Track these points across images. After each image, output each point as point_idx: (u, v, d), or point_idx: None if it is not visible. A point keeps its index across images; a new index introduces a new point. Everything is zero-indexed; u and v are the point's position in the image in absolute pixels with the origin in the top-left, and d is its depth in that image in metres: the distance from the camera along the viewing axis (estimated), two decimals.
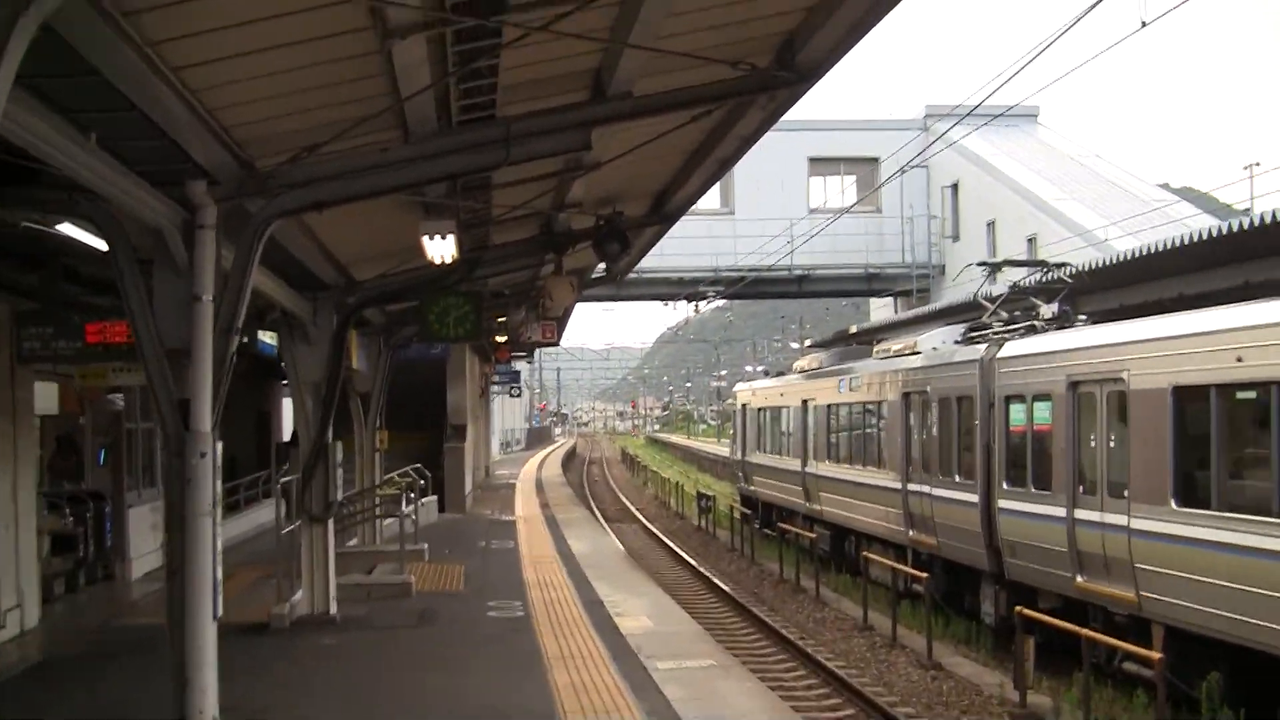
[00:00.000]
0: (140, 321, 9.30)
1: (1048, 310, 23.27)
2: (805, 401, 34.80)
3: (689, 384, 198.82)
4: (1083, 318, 22.71)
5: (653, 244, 20.51)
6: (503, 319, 28.27)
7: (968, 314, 29.99)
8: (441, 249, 13.46)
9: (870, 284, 52.82)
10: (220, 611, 9.83)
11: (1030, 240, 41.97)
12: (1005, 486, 21.23)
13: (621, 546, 31.54)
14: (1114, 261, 26.09)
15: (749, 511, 39.60)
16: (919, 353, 26.36)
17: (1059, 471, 19.45)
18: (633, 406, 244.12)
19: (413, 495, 24.88)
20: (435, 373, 39.35)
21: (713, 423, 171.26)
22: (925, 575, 22.32)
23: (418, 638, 17.71)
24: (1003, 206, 46.67)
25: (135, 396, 24.79)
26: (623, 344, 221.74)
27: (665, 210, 17.30)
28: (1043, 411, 20.20)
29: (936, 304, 38.72)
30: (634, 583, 24.26)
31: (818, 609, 27.30)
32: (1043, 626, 18.40)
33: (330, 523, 17.83)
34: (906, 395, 26.20)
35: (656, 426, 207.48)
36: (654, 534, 43.90)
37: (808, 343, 59.67)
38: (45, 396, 21.73)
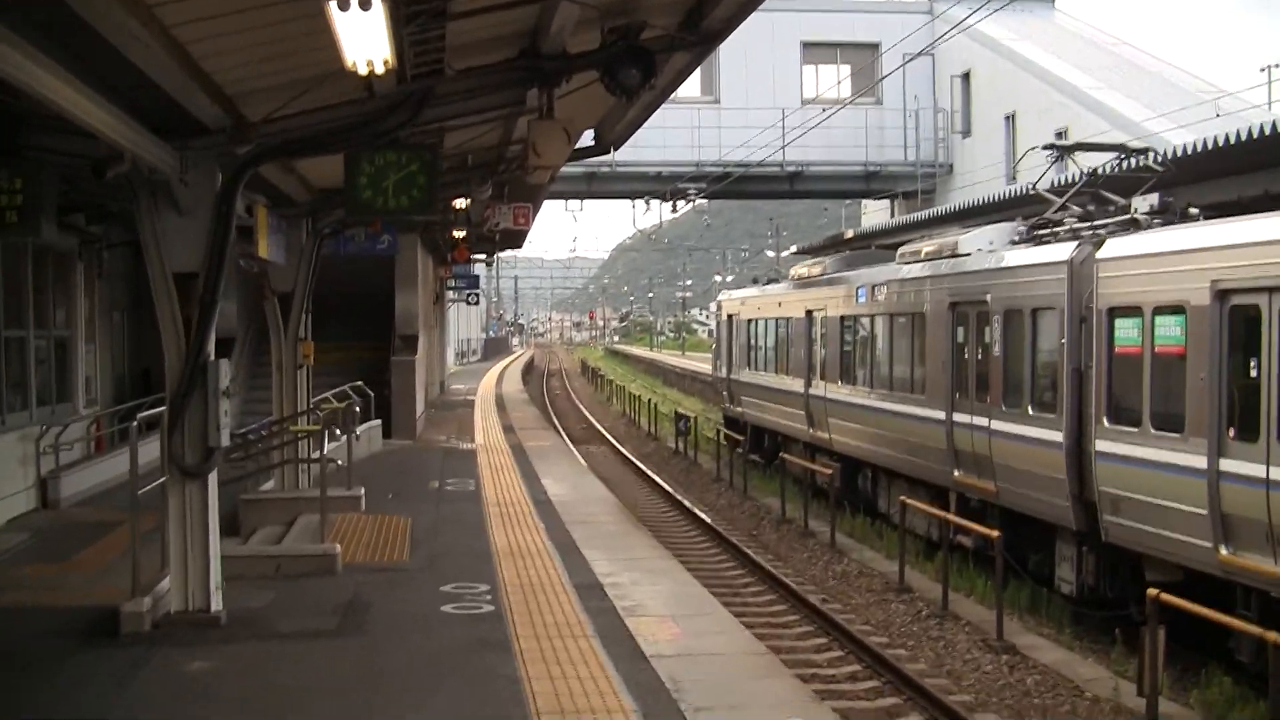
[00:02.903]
0: None
1: (1144, 203, 18.76)
2: (810, 313, 30.26)
3: (651, 294, 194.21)
4: (1194, 211, 18.02)
5: (677, 84, 14.96)
6: (462, 203, 22.79)
7: (1015, 210, 25.68)
8: (364, 43, 8.31)
9: (869, 184, 48.02)
10: None
11: (1060, 134, 37.14)
12: (1107, 424, 16.62)
13: (609, 492, 26.01)
14: (1217, 147, 21.28)
15: (737, 436, 35.09)
16: (966, 254, 21.69)
17: (1196, 409, 14.79)
18: (590, 317, 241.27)
19: (338, 431, 19.63)
20: (382, 273, 34.13)
21: (672, 335, 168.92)
22: (995, 534, 17.64)
23: (336, 660, 11.89)
24: (1025, 97, 41.84)
25: None
26: (582, 253, 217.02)
27: (705, 25, 11.97)
28: (1170, 328, 15.52)
29: (966, 200, 33.81)
30: (637, 550, 18.51)
31: (835, 559, 23.02)
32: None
33: (212, 477, 12.49)
34: (954, 306, 21.58)
35: (615, 338, 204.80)
36: (628, 459, 39.52)
37: (793, 249, 54.89)
38: None
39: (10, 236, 13.31)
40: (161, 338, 11.72)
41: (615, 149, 19.45)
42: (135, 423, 12.88)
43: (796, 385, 30.79)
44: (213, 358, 11.81)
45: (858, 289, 26.80)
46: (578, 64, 11.55)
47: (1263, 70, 36.06)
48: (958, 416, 21.13)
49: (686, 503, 29.41)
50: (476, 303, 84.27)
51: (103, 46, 8.27)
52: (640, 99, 13.12)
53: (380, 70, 8.81)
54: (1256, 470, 13.68)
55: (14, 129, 10.91)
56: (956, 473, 21.09)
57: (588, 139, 19.04)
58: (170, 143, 11.17)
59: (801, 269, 33.57)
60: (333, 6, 7.63)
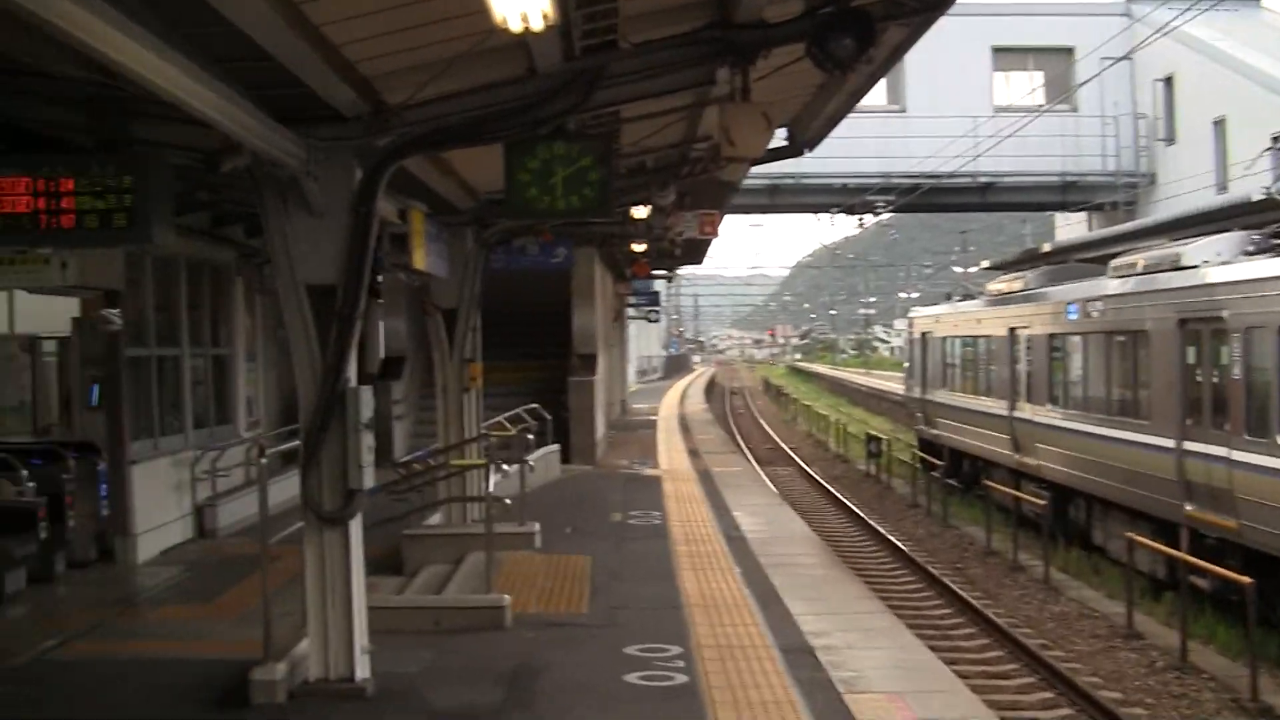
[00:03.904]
0: None
1: None
2: (1013, 330, 28.30)
3: (833, 311, 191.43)
4: None
5: (892, 63, 12.95)
6: (641, 212, 20.73)
7: (1241, 219, 23.40)
8: None
9: (1065, 194, 45.32)
10: None
11: (1277, 139, 34.53)
12: None
13: (807, 526, 23.86)
14: None
15: (934, 460, 33.10)
16: (1193, 267, 19.57)
17: None
18: (770, 335, 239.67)
19: (505, 466, 17.84)
20: (558, 288, 32.43)
21: (854, 353, 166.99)
22: (1248, 580, 15.54)
23: None
24: (1236, 101, 38.93)
25: (147, 312, 18.70)
26: (761, 269, 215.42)
27: None
28: None
29: (1185, 209, 31.19)
30: (846, 601, 16.53)
31: (1050, 598, 21.03)
32: None
33: (355, 523, 10.58)
34: (1183, 323, 19.47)
35: (797, 356, 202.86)
36: (818, 483, 37.84)
37: (983, 264, 52.56)
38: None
39: (119, 244, 11.78)
40: (293, 361, 10.12)
41: (810, 149, 17.43)
42: (263, 458, 11.29)
43: (999, 408, 28.82)
44: (354, 383, 10.13)
45: (1068, 305, 24.75)
46: (779, 34, 9.67)
47: None
48: (1189, 445, 19.05)
49: (883, 531, 27.87)
50: (657, 320, 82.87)
51: (223, 29, 6.61)
52: (849, 82, 11.19)
53: (537, 24, 7.05)
54: None
55: (120, 119, 9.36)
56: (1188, 507, 18.99)
57: (778, 139, 17.26)
58: (295, 131, 9.60)
59: (1000, 284, 31.63)
60: None
